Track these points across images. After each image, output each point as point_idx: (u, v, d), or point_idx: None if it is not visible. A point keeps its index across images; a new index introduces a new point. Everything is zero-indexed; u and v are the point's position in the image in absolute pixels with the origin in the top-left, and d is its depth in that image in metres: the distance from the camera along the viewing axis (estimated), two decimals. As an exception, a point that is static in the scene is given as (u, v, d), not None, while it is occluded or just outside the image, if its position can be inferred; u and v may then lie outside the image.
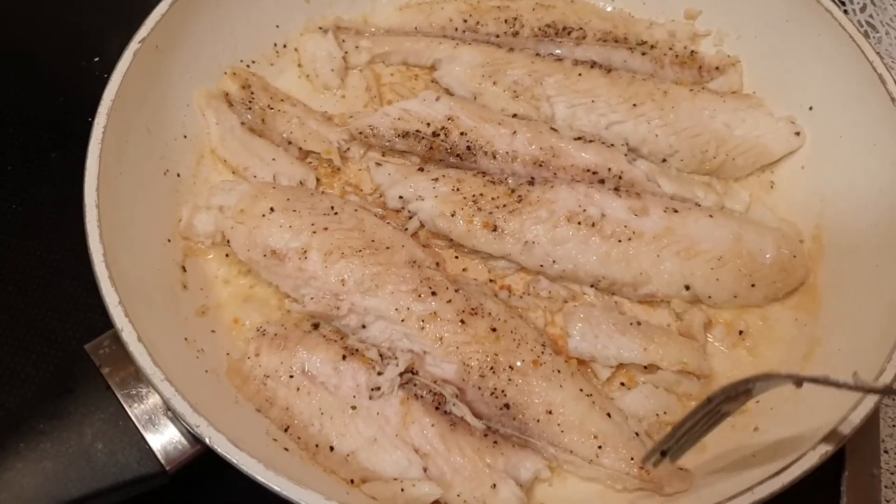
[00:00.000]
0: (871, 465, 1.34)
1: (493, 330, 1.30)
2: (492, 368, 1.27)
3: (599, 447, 1.23)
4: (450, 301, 1.31)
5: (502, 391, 1.26)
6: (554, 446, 1.24)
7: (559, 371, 1.28)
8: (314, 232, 1.35)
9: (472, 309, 1.32)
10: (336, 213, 1.40)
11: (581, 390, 1.27)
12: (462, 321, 1.30)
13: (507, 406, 1.26)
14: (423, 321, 1.30)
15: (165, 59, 1.47)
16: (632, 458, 1.21)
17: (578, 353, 1.35)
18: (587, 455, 1.23)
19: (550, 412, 1.25)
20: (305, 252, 1.33)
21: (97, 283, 1.16)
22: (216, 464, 1.07)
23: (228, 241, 1.38)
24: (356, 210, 1.43)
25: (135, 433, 1.14)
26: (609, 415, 1.25)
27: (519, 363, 1.27)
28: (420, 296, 1.31)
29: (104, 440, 1.13)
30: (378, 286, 1.31)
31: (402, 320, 1.30)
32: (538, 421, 1.25)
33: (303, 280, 1.33)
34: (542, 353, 1.29)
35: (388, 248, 1.36)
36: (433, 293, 1.32)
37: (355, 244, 1.35)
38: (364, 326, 1.33)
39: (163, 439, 1.16)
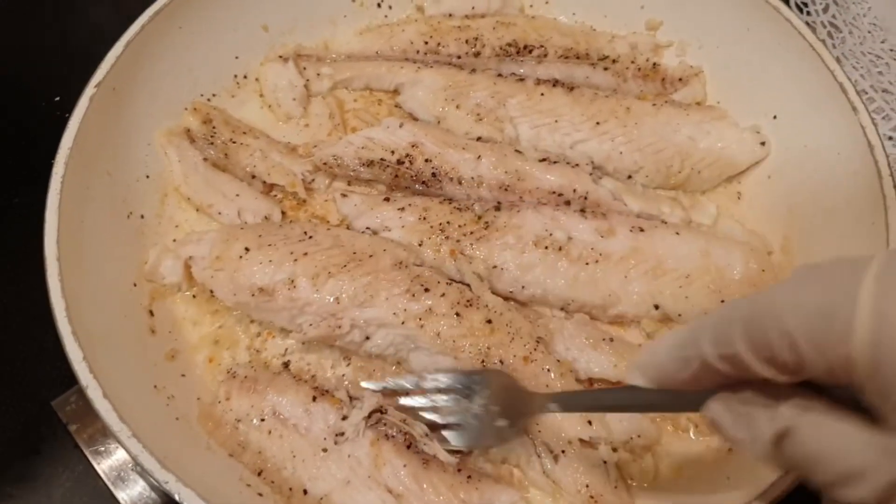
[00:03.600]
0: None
1: (489, 322, 1.31)
2: (482, 362, 1.28)
3: (562, 454, 1.23)
4: (444, 295, 1.32)
5: None
6: (526, 445, 1.25)
7: (548, 370, 1.28)
8: (295, 260, 1.34)
9: (468, 301, 1.32)
10: (311, 237, 1.39)
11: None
12: (457, 314, 1.30)
13: None
14: (420, 319, 1.30)
15: (124, 101, 1.45)
16: (587, 485, 1.21)
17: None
18: (547, 465, 1.24)
19: None
20: (293, 281, 1.33)
21: (60, 339, 1.15)
22: (188, 517, 1.06)
23: (212, 291, 1.37)
24: (329, 229, 1.43)
25: (104, 491, 1.14)
26: (590, 423, 1.25)
27: (510, 359, 1.28)
28: (414, 295, 1.31)
29: (74, 500, 1.13)
30: (372, 296, 1.31)
31: (403, 322, 1.30)
32: None
33: (297, 309, 1.32)
34: (535, 349, 1.29)
35: (370, 256, 1.36)
36: (426, 290, 1.32)
37: (339, 261, 1.35)
38: (368, 338, 1.33)
39: (133, 495, 1.16)
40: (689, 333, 0.84)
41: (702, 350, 0.81)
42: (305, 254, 1.35)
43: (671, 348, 0.86)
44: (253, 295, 1.34)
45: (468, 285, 1.37)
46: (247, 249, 1.36)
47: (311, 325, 1.33)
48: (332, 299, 1.32)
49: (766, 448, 0.78)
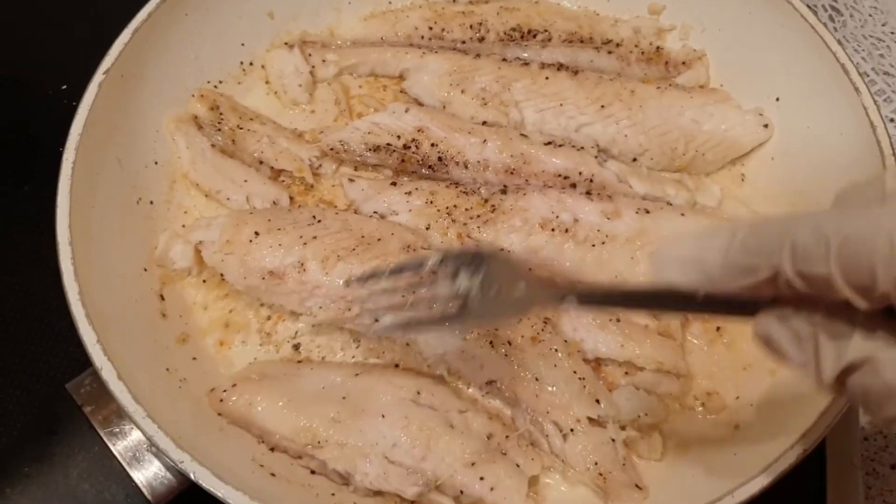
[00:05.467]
0: (851, 455, 1.36)
1: None
2: (490, 343, 1.29)
3: (571, 433, 1.24)
4: None
5: (498, 365, 1.29)
6: (535, 424, 1.27)
7: (556, 349, 1.30)
8: (305, 243, 1.35)
9: None
10: (319, 221, 1.40)
11: (575, 373, 1.28)
12: None
13: (500, 379, 1.29)
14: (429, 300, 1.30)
15: (132, 88, 1.46)
16: (595, 463, 1.23)
17: (555, 344, 1.36)
18: (555, 443, 1.25)
19: (539, 392, 1.27)
20: (303, 264, 1.34)
21: (74, 322, 1.16)
22: (203, 497, 1.08)
23: (223, 275, 1.38)
24: (337, 213, 1.44)
25: (120, 471, 1.15)
26: (598, 401, 1.27)
27: (518, 339, 1.29)
28: (422, 277, 1.32)
29: (90, 480, 1.14)
30: None
31: (411, 304, 1.29)
32: (527, 397, 1.27)
33: (307, 292, 1.33)
34: (542, 330, 1.31)
35: (379, 239, 1.37)
36: (433, 272, 1.32)
37: (348, 244, 1.36)
38: (377, 320, 1.33)
39: (148, 475, 1.16)
40: (757, 239, 0.75)
41: (776, 262, 0.73)
42: (314, 237, 1.36)
43: (727, 251, 0.77)
44: (263, 278, 1.35)
45: None
46: (256, 233, 1.37)
47: (320, 307, 1.34)
48: (341, 282, 1.33)
49: (829, 377, 0.72)
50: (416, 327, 1.18)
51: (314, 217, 1.41)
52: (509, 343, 1.29)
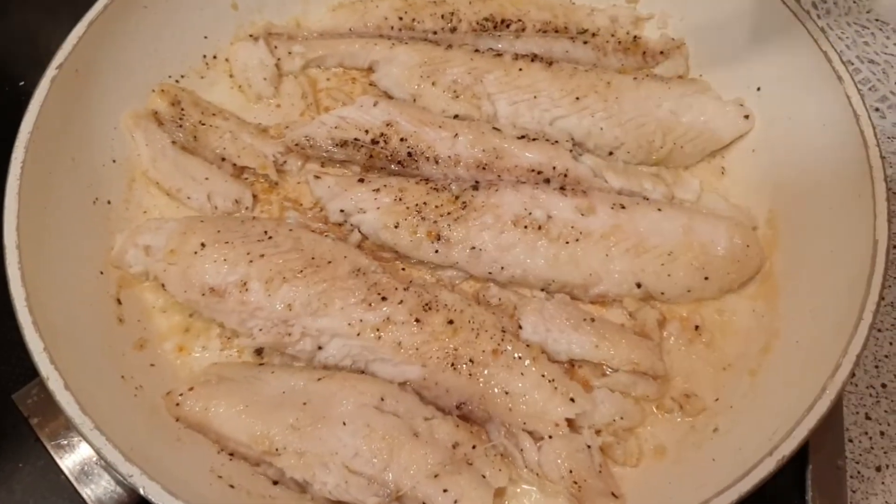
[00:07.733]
0: (835, 457, 1.32)
1: (450, 322, 1.27)
2: (452, 364, 1.24)
3: (549, 439, 1.20)
4: (401, 302, 1.28)
5: (464, 387, 1.24)
6: (510, 437, 1.23)
7: (520, 357, 1.25)
8: (251, 261, 1.30)
9: (426, 304, 1.29)
10: (270, 238, 1.35)
11: (543, 376, 1.24)
12: (417, 320, 1.27)
13: (470, 400, 1.24)
14: (378, 330, 1.26)
15: (87, 83, 1.41)
16: (570, 471, 1.18)
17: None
18: (531, 457, 1.21)
19: (511, 405, 1.22)
20: (245, 283, 1.28)
21: (20, 329, 1.11)
22: (156, 511, 1.03)
23: (164, 285, 1.33)
24: (291, 230, 1.38)
25: (67, 486, 1.10)
26: (573, 399, 1.22)
27: (480, 355, 1.24)
28: (370, 305, 1.27)
29: (35, 496, 1.10)
30: (326, 304, 1.27)
31: (358, 334, 1.26)
32: (501, 412, 1.23)
33: (248, 313, 1.28)
34: (502, 340, 1.26)
35: (329, 262, 1.32)
36: (383, 298, 1.28)
37: (296, 265, 1.31)
38: (320, 348, 1.29)
39: (98, 491, 1.12)
40: None
41: None
42: (262, 255, 1.31)
43: None
44: (203, 294, 1.30)
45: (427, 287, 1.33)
46: (202, 245, 1.31)
47: (260, 330, 1.29)
48: (283, 306, 1.27)
49: None
50: None
51: (265, 232, 1.35)
52: (471, 361, 1.24)
